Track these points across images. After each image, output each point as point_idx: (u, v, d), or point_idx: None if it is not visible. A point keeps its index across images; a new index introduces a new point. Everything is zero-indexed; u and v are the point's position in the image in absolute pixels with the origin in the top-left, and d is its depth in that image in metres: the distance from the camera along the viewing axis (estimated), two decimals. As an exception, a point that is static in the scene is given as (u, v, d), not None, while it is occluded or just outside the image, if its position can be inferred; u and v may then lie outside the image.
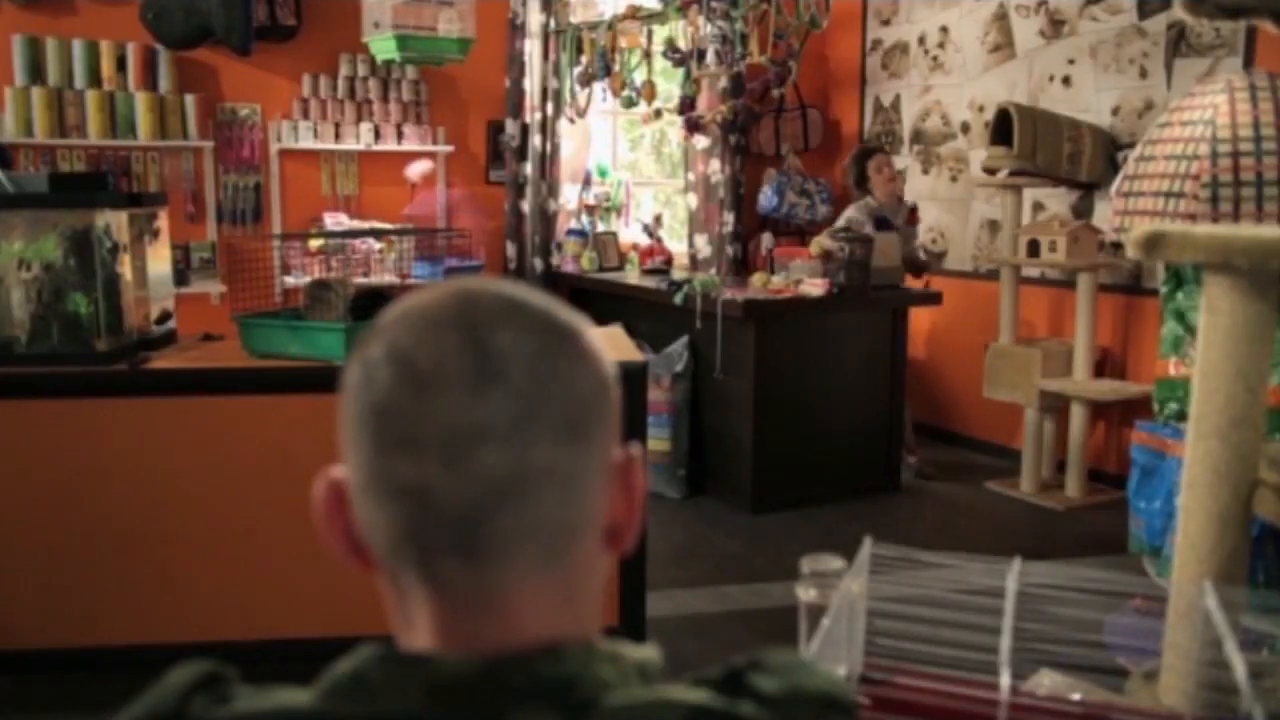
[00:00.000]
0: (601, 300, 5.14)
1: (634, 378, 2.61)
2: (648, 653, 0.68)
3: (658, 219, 5.85)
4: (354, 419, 0.64)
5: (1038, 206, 4.89)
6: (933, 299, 4.68)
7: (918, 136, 5.54)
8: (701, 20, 4.61)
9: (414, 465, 0.61)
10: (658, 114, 5.26)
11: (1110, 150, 4.52)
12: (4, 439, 2.51)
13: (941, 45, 5.37)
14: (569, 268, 5.64)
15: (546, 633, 0.64)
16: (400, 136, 5.38)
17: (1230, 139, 2.54)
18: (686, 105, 5.16)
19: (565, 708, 0.60)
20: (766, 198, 5.62)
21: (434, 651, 0.63)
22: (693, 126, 5.27)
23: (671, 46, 4.97)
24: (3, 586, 2.55)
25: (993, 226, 5.10)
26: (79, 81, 4.81)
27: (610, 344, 2.92)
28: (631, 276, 5.36)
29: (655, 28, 4.99)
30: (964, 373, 5.19)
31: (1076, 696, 1.24)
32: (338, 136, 5.28)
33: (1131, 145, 3.65)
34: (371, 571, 0.67)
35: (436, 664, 0.61)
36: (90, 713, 2.56)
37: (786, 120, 5.87)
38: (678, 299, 4.40)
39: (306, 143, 5.22)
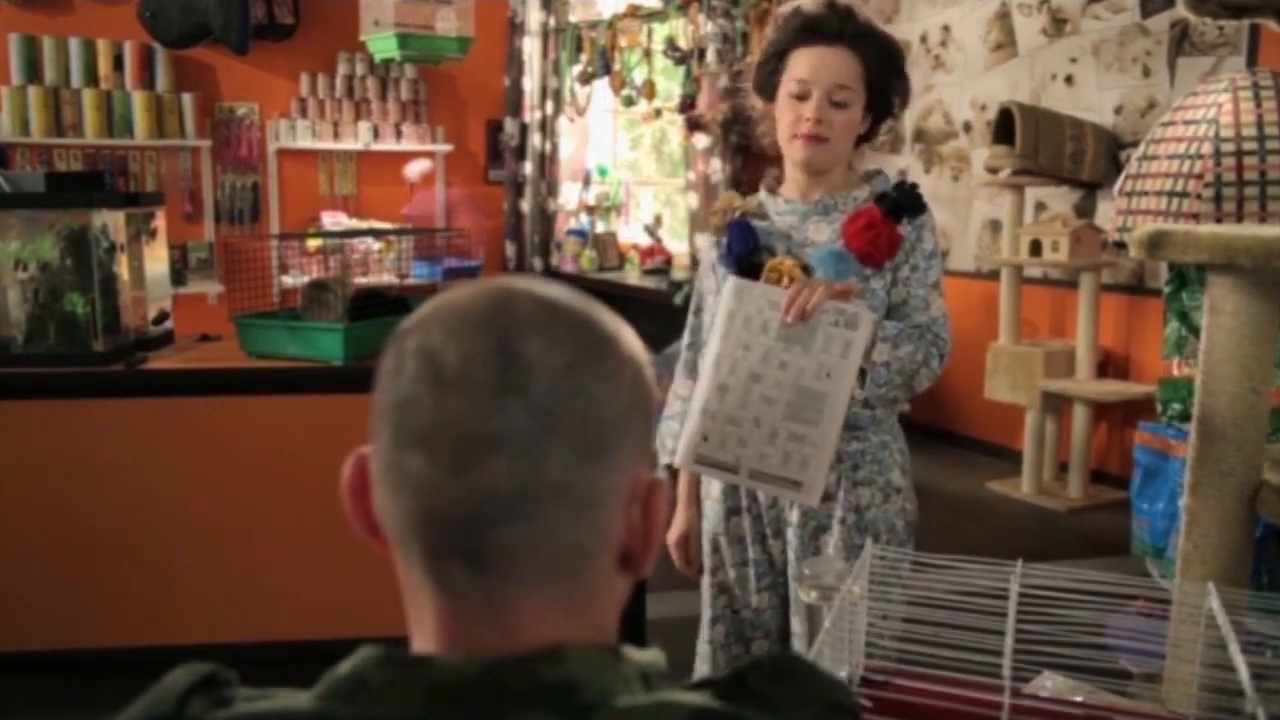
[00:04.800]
0: (601, 300, 5.13)
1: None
2: (651, 655, 0.67)
3: (658, 219, 5.84)
4: (381, 406, 0.64)
5: (1040, 206, 4.88)
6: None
7: (920, 135, 5.53)
8: (702, 19, 4.60)
9: (425, 464, 0.61)
10: (658, 113, 5.25)
11: (1113, 149, 4.50)
12: (1, 440, 2.50)
13: (943, 44, 5.35)
14: (568, 267, 5.63)
15: (550, 640, 0.62)
16: (399, 136, 5.37)
17: (1234, 138, 2.52)
18: (687, 104, 5.15)
19: (566, 711, 0.59)
20: (767, 197, 5.60)
21: (434, 654, 0.63)
22: (693, 125, 5.26)
23: (672, 45, 4.96)
24: (1, 588, 2.54)
25: (994, 226, 5.09)
26: (76, 80, 4.80)
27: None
28: (631, 276, 5.35)
29: (655, 26, 4.98)
30: (965, 373, 5.17)
31: (1079, 699, 1.23)
32: (336, 136, 5.27)
33: (1134, 144, 3.64)
34: (389, 553, 0.67)
35: (437, 666, 0.61)
36: (90, 714, 2.54)
37: (787, 119, 5.86)
38: (678, 299, 4.39)
39: (305, 142, 5.21)
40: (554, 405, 0.61)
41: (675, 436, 1.87)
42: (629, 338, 0.67)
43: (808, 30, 1.67)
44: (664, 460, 1.91)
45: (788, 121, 1.69)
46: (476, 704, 0.59)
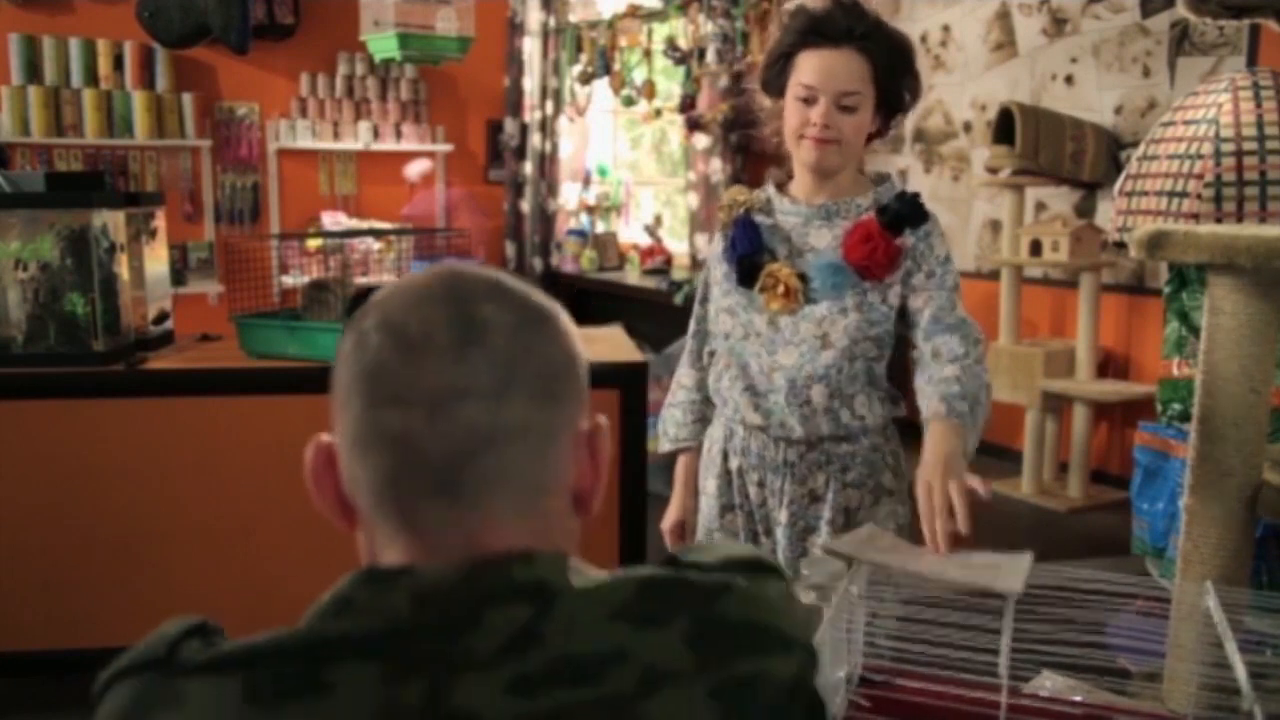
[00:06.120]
0: (601, 300, 5.13)
1: (634, 378, 2.59)
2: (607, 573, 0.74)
3: (658, 219, 5.84)
4: (347, 382, 0.69)
5: (1040, 206, 4.88)
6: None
7: (920, 135, 5.53)
8: (702, 18, 4.60)
9: (401, 418, 0.66)
10: (658, 113, 5.25)
11: (1113, 149, 4.50)
12: (1, 440, 2.50)
13: (943, 44, 5.35)
14: (569, 268, 5.63)
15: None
16: (399, 136, 5.37)
17: (1234, 138, 2.52)
18: (687, 104, 5.15)
19: (536, 603, 0.66)
20: (767, 197, 5.60)
21: (413, 564, 0.68)
22: (693, 125, 5.26)
23: (672, 45, 4.97)
24: (1, 588, 2.54)
25: (994, 226, 5.09)
26: (76, 80, 4.81)
27: (610, 344, 2.90)
28: (631, 276, 5.35)
29: (655, 26, 4.98)
30: (965, 372, 5.17)
31: (1078, 698, 1.23)
32: (336, 136, 5.27)
33: (1134, 144, 3.64)
34: (355, 529, 0.73)
35: (417, 574, 0.66)
36: (90, 714, 2.54)
37: (787, 119, 5.85)
38: (678, 299, 4.39)
39: (305, 142, 5.21)
40: (510, 358, 0.68)
41: (678, 424, 1.90)
42: (563, 311, 0.75)
43: (814, 32, 1.64)
44: (665, 448, 1.92)
45: (794, 124, 1.68)
46: (458, 603, 0.65)
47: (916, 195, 1.71)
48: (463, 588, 0.65)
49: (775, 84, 1.72)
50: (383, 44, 4.70)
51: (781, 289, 1.68)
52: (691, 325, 1.93)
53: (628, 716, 0.65)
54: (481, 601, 0.65)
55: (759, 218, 1.77)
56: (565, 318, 0.74)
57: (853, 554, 1.08)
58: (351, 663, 0.64)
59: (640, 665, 0.66)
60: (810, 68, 1.64)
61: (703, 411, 1.90)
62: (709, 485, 1.85)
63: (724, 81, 5.31)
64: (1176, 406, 2.66)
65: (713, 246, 1.88)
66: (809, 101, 1.65)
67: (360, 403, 0.68)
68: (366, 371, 0.68)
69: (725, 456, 1.82)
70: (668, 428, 1.92)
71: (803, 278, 1.69)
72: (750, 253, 1.72)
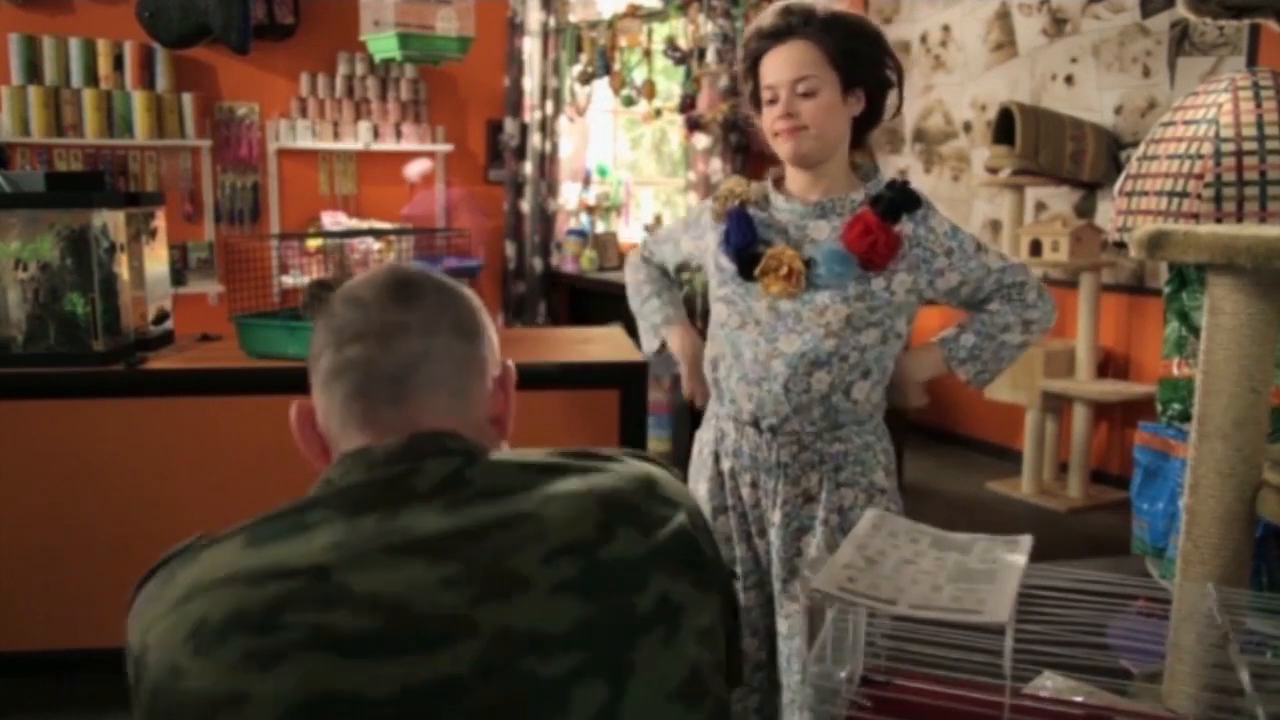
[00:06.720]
0: (601, 300, 5.13)
1: (634, 378, 2.59)
2: None
3: (658, 219, 5.83)
4: (320, 344, 0.94)
5: (1040, 206, 4.88)
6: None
7: (920, 136, 5.53)
8: (702, 18, 4.60)
9: (361, 349, 0.91)
10: (658, 113, 5.25)
11: (1113, 149, 4.50)
12: (1, 440, 2.50)
13: (943, 44, 5.36)
14: (569, 268, 5.63)
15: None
16: (399, 136, 5.37)
17: (1234, 138, 2.52)
18: (687, 104, 5.15)
19: (464, 458, 0.88)
20: (767, 197, 5.59)
21: (370, 445, 0.90)
22: (693, 125, 5.26)
23: (672, 45, 4.96)
24: (1, 588, 2.54)
25: (994, 226, 5.09)
26: (76, 80, 4.80)
27: (610, 344, 2.90)
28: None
29: (655, 26, 4.98)
30: (965, 372, 5.16)
31: (1079, 698, 1.23)
32: (336, 136, 5.27)
33: (1134, 144, 3.64)
34: (326, 463, 0.95)
35: (373, 449, 0.89)
36: (90, 713, 2.54)
37: (787, 119, 5.85)
38: (678, 299, 4.39)
39: (305, 142, 5.21)
40: (439, 308, 0.94)
41: (660, 307, 2.03)
42: (477, 298, 1.00)
43: (764, 37, 1.72)
44: (663, 333, 2.02)
45: (768, 125, 1.74)
46: (401, 463, 0.87)
47: (906, 182, 1.74)
48: (406, 452, 0.88)
49: (754, 98, 1.79)
50: (383, 44, 4.70)
51: (785, 270, 1.71)
52: (646, 236, 2.07)
53: (529, 521, 0.85)
54: (421, 456, 0.87)
55: (754, 212, 1.80)
56: (478, 300, 0.99)
57: (838, 595, 1.08)
58: (325, 510, 0.86)
59: (543, 492, 0.88)
60: (768, 70, 1.71)
61: (673, 290, 2.05)
62: (700, 488, 1.85)
63: (724, 81, 5.31)
64: (1176, 406, 2.66)
65: (702, 218, 1.91)
66: (773, 102, 1.71)
67: (330, 350, 0.92)
68: (334, 329, 0.93)
69: (717, 458, 1.83)
70: (652, 318, 2.02)
71: (807, 263, 1.72)
72: (746, 245, 1.76)
